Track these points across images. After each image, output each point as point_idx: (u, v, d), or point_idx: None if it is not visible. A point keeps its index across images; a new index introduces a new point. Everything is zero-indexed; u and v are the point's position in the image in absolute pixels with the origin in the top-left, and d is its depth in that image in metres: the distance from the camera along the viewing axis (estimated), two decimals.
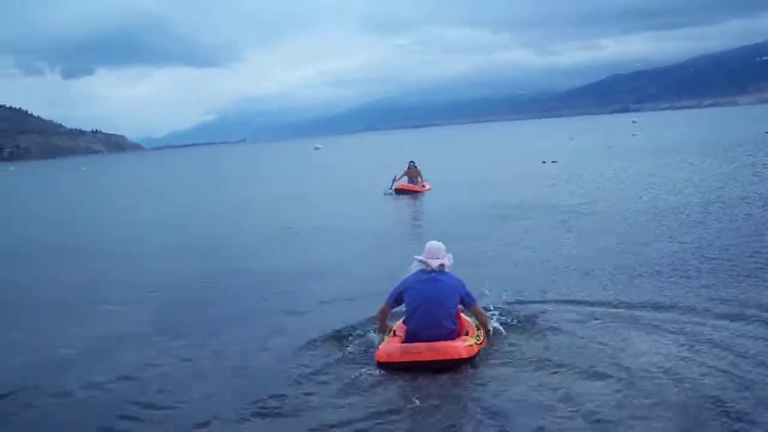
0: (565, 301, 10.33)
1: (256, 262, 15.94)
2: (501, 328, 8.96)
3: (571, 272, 12.28)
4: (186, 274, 14.98)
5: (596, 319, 9.29)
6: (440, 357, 7.90)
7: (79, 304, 12.89)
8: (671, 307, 9.57)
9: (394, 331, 8.66)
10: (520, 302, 10.31)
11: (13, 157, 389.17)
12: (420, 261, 8.64)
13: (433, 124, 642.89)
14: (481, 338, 8.47)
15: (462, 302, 8.63)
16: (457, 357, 7.90)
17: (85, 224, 28.85)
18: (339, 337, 9.22)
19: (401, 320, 8.74)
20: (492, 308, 9.47)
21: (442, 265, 8.56)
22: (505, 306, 9.85)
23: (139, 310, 12.05)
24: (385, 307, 8.84)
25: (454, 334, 8.31)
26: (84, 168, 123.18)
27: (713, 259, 12.40)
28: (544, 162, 40.62)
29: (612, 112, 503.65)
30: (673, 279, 11.24)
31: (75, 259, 19.18)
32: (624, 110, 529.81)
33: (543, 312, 9.71)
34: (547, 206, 21.67)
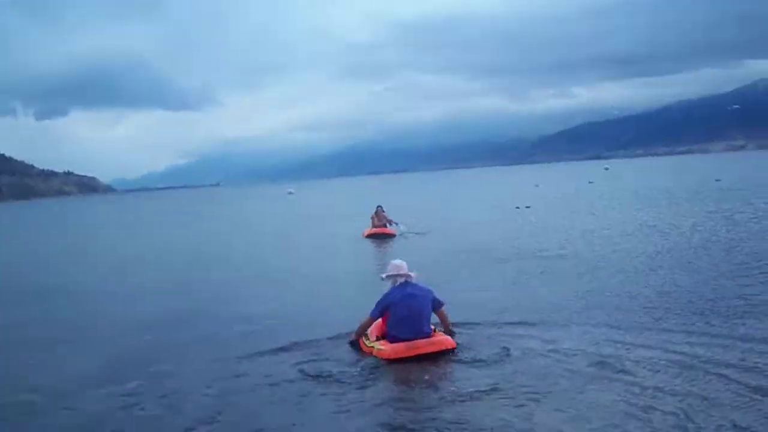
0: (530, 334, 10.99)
1: (227, 305, 15.75)
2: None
3: (541, 309, 12.48)
4: (159, 315, 14.76)
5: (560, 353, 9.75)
6: (439, 348, 10.02)
7: (50, 343, 12.78)
8: (632, 344, 9.90)
9: (377, 336, 10.45)
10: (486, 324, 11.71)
11: None
12: (392, 276, 10.64)
13: (409, 170, 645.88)
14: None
15: (432, 305, 10.57)
16: (451, 347, 10.08)
17: (56, 264, 28.75)
18: (320, 359, 10.27)
19: (372, 328, 10.63)
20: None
21: (410, 276, 10.61)
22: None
23: (109, 349, 11.88)
24: (371, 319, 10.55)
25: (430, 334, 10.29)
26: (55, 209, 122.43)
27: (673, 295, 13.07)
28: (517, 207, 40.75)
29: (586, 159, 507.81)
30: (640, 315, 11.71)
31: (48, 298, 19.02)
32: (598, 157, 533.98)
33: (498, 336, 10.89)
34: (518, 250, 21.81)
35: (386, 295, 10.49)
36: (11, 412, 8.94)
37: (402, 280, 10.56)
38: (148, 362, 10.85)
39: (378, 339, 10.42)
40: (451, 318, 11.07)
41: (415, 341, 9.99)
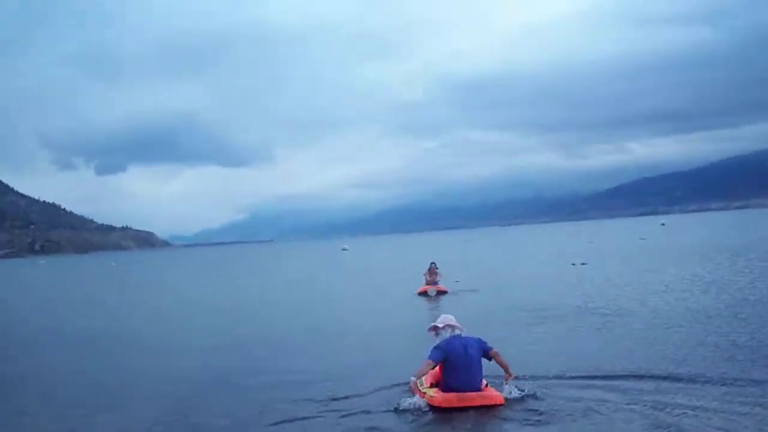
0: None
1: (281, 360, 15.75)
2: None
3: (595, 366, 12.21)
4: (210, 371, 14.79)
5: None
6: (488, 402, 10.48)
7: (97, 396, 12.87)
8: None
9: (431, 384, 11.02)
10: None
11: (44, 251, 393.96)
12: (447, 326, 11.06)
13: (462, 227, 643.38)
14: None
15: (484, 354, 11.01)
16: (500, 402, 10.50)
17: (112, 318, 28.95)
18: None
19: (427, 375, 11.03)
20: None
21: (461, 329, 11.13)
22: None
23: (157, 405, 11.91)
24: (431, 363, 10.69)
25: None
26: (114, 263, 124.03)
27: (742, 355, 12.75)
28: (573, 264, 40.37)
29: (640, 215, 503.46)
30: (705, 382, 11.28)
31: (101, 350, 19.25)
32: (653, 212, 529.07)
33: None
34: (575, 307, 21.55)
35: (447, 343, 10.86)
36: None
37: (454, 332, 11.04)
38: (197, 418, 10.90)
39: (432, 386, 10.94)
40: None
41: (467, 393, 10.50)
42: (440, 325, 11.15)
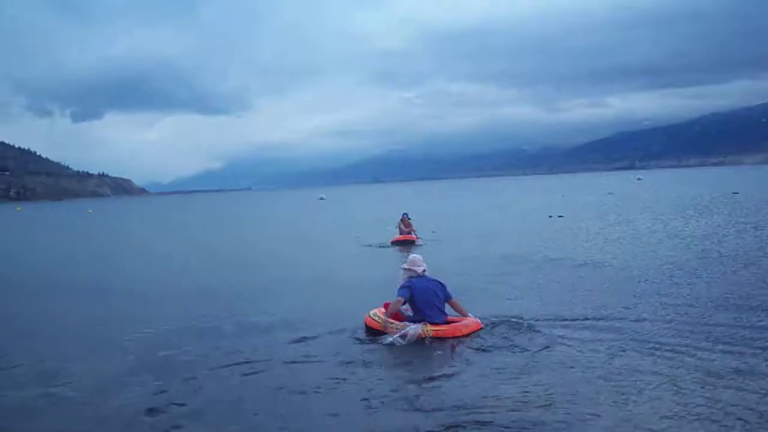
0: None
1: (253, 306, 15.82)
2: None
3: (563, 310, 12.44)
4: (185, 317, 14.76)
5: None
6: (474, 329, 11.64)
7: (71, 341, 12.98)
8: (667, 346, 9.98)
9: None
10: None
11: (19, 197, 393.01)
12: (409, 269, 12.34)
13: (439, 178, 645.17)
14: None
15: (445, 299, 12.20)
16: (479, 328, 11.72)
17: (90, 263, 29.32)
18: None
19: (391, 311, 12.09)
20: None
21: (424, 270, 12.36)
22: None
23: (136, 350, 11.93)
24: (400, 300, 11.92)
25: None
26: (90, 210, 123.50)
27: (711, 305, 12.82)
28: (550, 216, 40.63)
29: (618, 169, 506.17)
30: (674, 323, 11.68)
31: (83, 295, 19.43)
32: (630, 167, 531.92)
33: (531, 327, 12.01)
34: (551, 259, 21.69)
35: (408, 284, 12.06)
36: (40, 403, 9.09)
37: (420, 272, 12.27)
38: (173, 364, 10.98)
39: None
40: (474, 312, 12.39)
41: (462, 321, 11.80)
42: (406, 266, 12.46)
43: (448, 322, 11.81)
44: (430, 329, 11.44)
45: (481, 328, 11.75)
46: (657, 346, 10.43)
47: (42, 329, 14.49)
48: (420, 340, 11.31)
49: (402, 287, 12.07)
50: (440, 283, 12.31)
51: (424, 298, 11.89)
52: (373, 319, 12.21)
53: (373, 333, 11.98)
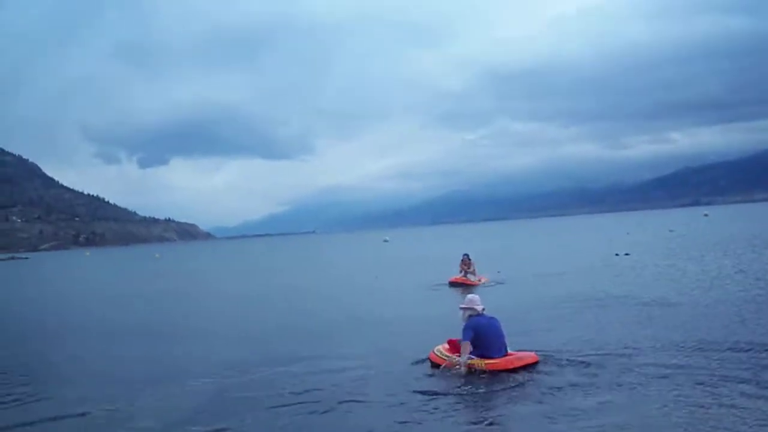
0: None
1: (321, 347, 16.04)
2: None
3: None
4: (255, 358, 15.04)
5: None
6: (530, 362, 12.20)
7: (144, 380, 13.25)
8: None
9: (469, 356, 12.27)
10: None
11: (89, 243, 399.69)
12: (468, 308, 12.77)
13: (503, 218, 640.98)
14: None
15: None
16: (536, 361, 12.31)
17: (161, 305, 30.16)
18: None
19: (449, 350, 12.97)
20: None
21: (483, 309, 12.78)
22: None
23: (200, 389, 12.32)
24: (467, 343, 12.24)
25: None
26: (158, 255, 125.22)
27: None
28: (617, 255, 40.25)
29: (684, 205, 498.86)
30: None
31: (156, 337, 19.94)
32: (696, 203, 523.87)
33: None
34: (618, 297, 21.51)
35: (473, 321, 12.54)
36: None
37: (479, 310, 12.74)
38: (244, 403, 11.29)
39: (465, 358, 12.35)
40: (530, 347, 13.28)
41: (515, 355, 12.38)
42: (464, 306, 12.94)
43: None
44: (482, 362, 12.13)
45: (537, 362, 12.33)
46: (727, 380, 10.43)
47: (114, 372, 14.81)
48: (478, 372, 12.00)
49: (466, 329, 12.47)
50: (496, 320, 12.84)
51: (486, 336, 12.38)
52: (437, 355, 13.03)
53: (437, 368, 12.69)
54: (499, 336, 12.58)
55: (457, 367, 12.24)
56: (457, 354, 12.50)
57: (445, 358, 12.75)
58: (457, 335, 12.77)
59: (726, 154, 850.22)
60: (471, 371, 12.08)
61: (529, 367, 12.08)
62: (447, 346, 13.19)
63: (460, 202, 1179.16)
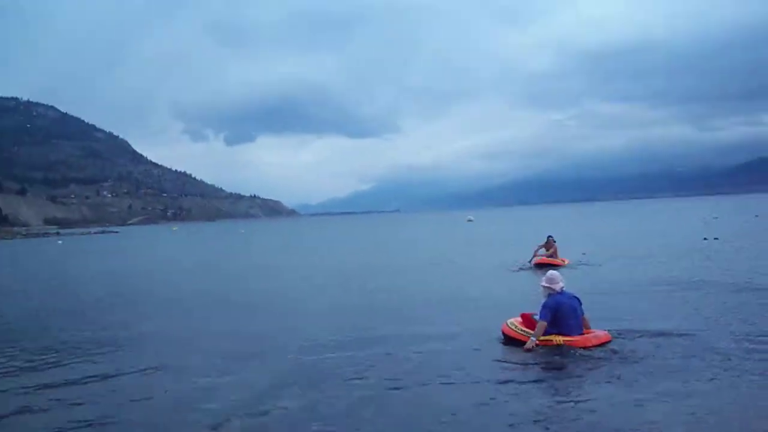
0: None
1: (406, 326, 16.02)
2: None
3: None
4: (340, 333, 15.14)
5: None
6: (605, 341, 12.43)
7: (237, 356, 13.37)
8: None
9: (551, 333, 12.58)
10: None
11: (176, 218, 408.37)
12: (548, 287, 12.92)
13: (589, 200, 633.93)
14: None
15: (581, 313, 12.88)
16: (610, 340, 12.52)
17: (247, 279, 30.65)
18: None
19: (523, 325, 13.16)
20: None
21: (562, 287, 12.92)
22: None
23: (280, 365, 12.45)
24: (544, 323, 12.46)
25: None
26: (242, 230, 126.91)
27: None
28: (705, 239, 39.41)
29: None
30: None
31: (232, 312, 20.12)
32: None
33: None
34: (705, 282, 21.05)
35: (553, 300, 12.70)
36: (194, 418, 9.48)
37: (558, 289, 12.87)
38: (320, 375, 11.38)
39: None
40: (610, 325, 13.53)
41: (592, 333, 12.64)
42: (545, 284, 13.05)
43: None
44: (560, 339, 12.43)
45: (611, 340, 12.51)
46: None
47: (198, 344, 15.09)
48: (555, 349, 12.26)
49: (544, 308, 12.65)
50: (578, 299, 12.98)
51: (562, 315, 12.54)
52: (510, 327, 13.30)
53: (510, 340, 13.04)
54: (577, 315, 12.73)
55: (530, 345, 12.41)
56: (531, 329, 12.75)
57: (519, 331, 12.99)
58: (535, 311, 13.09)
59: None
60: (550, 347, 12.34)
61: (605, 345, 12.30)
62: (520, 319, 13.40)
63: (547, 183, 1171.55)
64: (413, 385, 10.62)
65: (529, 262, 29.45)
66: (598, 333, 12.66)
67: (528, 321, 13.12)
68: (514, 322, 13.37)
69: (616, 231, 60.01)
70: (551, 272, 13.46)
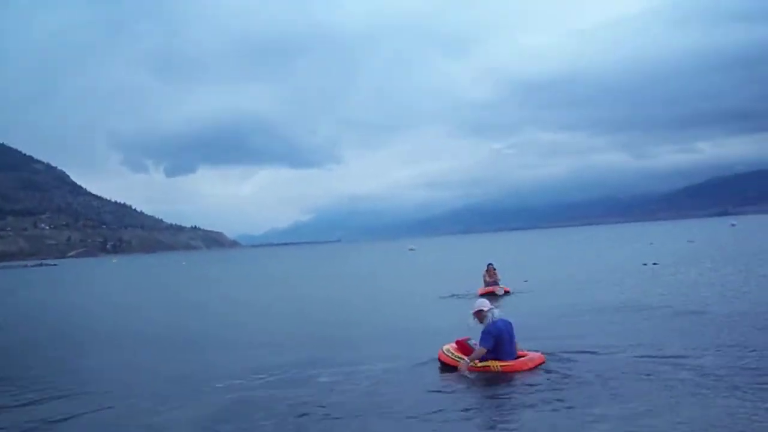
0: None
1: (343, 355, 15.96)
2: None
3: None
4: (276, 366, 15.03)
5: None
6: (540, 363, 12.89)
7: (168, 388, 13.37)
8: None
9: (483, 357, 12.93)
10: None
11: (116, 250, 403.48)
12: (482, 313, 13.24)
13: (531, 227, 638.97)
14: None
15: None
16: (543, 362, 12.98)
17: (185, 315, 30.01)
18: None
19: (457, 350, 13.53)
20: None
21: (495, 313, 13.23)
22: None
23: (222, 397, 12.25)
24: (484, 350, 12.83)
25: None
26: (184, 263, 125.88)
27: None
28: (644, 264, 39.95)
29: (713, 215, 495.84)
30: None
31: (176, 346, 20.04)
32: (725, 213, 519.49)
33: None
34: (645, 306, 21.28)
35: (491, 329, 12.99)
36: None
37: (493, 314, 13.23)
38: (260, 408, 11.25)
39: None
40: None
41: (527, 356, 13.08)
42: (475, 311, 13.44)
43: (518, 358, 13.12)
44: (497, 364, 12.75)
45: (544, 362, 12.99)
46: (742, 385, 10.59)
47: (136, 380, 14.84)
48: (493, 375, 12.58)
49: (486, 334, 12.99)
50: (511, 324, 13.40)
51: (501, 341, 12.94)
52: (446, 354, 13.63)
53: (446, 367, 13.30)
54: (513, 341, 13.22)
55: (465, 369, 12.80)
56: (466, 355, 13.12)
57: (455, 358, 13.29)
58: (468, 336, 13.58)
59: (756, 164, 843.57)
60: (486, 372, 12.71)
61: (539, 367, 12.74)
62: (455, 345, 13.73)
63: (489, 212, 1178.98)
64: (348, 416, 10.57)
65: (480, 292, 29.23)
66: (532, 356, 13.12)
67: (462, 347, 13.47)
68: (450, 348, 13.74)
69: (558, 257, 60.60)
70: (480, 300, 14.00)
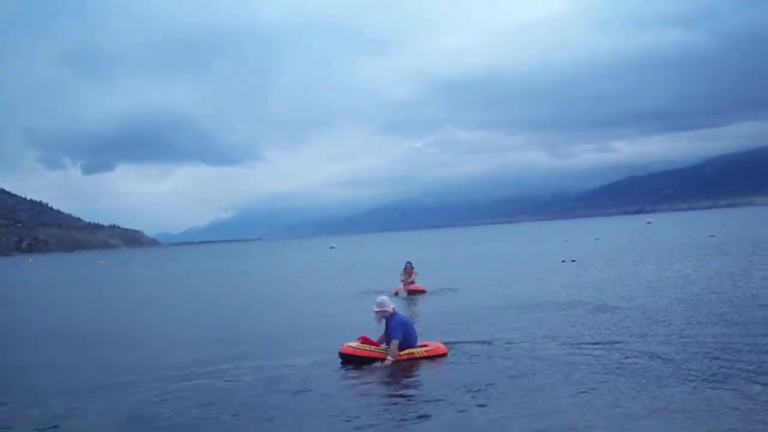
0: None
1: (260, 352, 15.93)
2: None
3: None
4: (192, 363, 14.90)
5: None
6: (441, 352, 14.15)
7: (84, 386, 13.16)
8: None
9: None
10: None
11: (31, 249, 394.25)
12: (382, 311, 14.11)
13: (450, 225, 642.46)
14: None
15: None
16: (445, 353, 14.21)
17: (100, 313, 29.81)
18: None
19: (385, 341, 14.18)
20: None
21: (394, 308, 14.37)
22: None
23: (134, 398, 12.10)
24: (398, 340, 13.82)
25: None
26: (102, 262, 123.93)
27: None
28: (563, 261, 40.63)
29: (629, 213, 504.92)
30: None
31: (86, 345, 19.65)
32: (641, 211, 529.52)
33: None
34: (562, 303, 21.73)
35: (400, 324, 14.04)
36: None
37: (390, 311, 14.19)
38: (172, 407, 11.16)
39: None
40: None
41: (428, 345, 14.35)
42: (377, 309, 14.22)
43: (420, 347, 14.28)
44: (422, 350, 14.10)
45: (446, 353, 14.15)
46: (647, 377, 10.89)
47: (52, 379, 14.50)
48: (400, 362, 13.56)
49: (395, 327, 13.99)
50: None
51: (407, 332, 14.16)
52: (351, 346, 14.11)
53: (348, 359, 13.86)
54: (414, 331, 14.43)
55: (384, 362, 13.58)
56: (378, 347, 14.07)
57: (360, 348, 14.02)
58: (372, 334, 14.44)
59: (671, 163, 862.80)
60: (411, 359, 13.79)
61: (441, 357, 13.98)
62: (360, 342, 14.27)
63: (408, 210, 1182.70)
64: (257, 418, 10.46)
65: (396, 291, 29.34)
66: (432, 344, 14.42)
67: (368, 343, 14.23)
68: (352, 344, 14.21)
69: (476, 256, 61.01)
70: (381, 297, 14.77)
